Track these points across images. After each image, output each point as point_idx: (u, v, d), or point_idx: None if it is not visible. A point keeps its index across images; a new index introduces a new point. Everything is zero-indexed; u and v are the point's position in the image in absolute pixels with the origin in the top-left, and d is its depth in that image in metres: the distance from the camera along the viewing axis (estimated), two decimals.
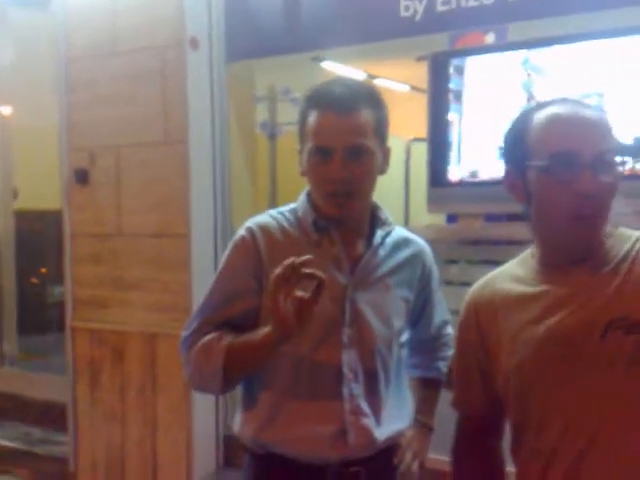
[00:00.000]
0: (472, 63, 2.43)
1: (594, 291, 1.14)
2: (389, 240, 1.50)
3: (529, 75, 2.29)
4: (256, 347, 1.36)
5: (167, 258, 2.92)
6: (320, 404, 1.42)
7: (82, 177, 3.06)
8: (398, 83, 6.51)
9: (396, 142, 3.28)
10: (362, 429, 1.43)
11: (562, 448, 1.14)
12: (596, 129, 1.12)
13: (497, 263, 1.38)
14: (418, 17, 2.33)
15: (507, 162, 1.22)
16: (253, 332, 1.37)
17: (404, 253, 1.53)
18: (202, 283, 2.84)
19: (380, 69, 6.33)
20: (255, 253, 1.44)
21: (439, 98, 2.49)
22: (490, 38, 2.71)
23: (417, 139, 2.88)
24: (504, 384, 1.23)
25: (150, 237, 2.94)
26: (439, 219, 2.89)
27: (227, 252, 1.49)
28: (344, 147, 1.36)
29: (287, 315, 1.24)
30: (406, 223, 2.85)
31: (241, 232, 1.48)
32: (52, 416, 3.74)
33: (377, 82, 6.72)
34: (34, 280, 5.72)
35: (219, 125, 2.79)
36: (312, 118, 1.39)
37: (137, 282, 3.02)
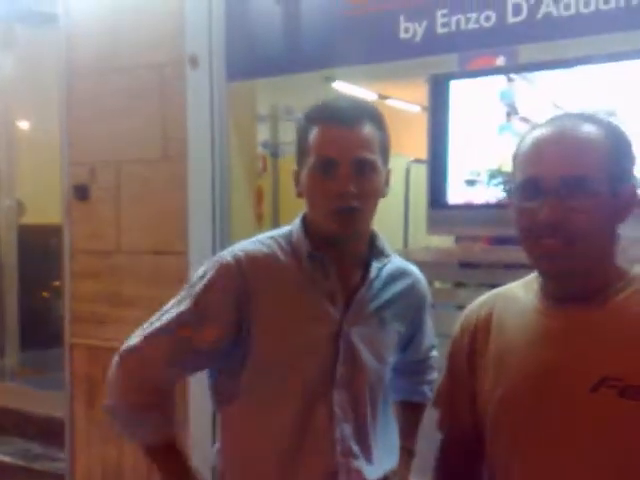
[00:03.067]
0: (456, 86, 2.40)
1: (593, 337, 1.06)
2: (384, 271, 1.43)
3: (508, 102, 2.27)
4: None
5: (165, 275, 2.90)
6: (311, 445, 1.34)
7: (82, 192, 3.06)
8: (409, 104, 6.51)
9: (399, 160, 3.27)
10: (353, 472, 1.36)
11: None
12: (571, 151, 1.04)
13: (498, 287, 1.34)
14: (418, 39, 2.31)
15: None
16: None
17: (400, 285, 1.46)
18: None
19: (392, 90, 6.33)
20: (239, 283, 1.34)
21: (439, 119, 2.47)
22: (500, 61, 2.69)
23: (417, 160, 2.84)
24: (482, 411, 1.19)
25: (148, 254, 2.92)
26: (448, 241, 2.85)
27: (205, 274, 1.37)
28: (351, 160, 1.28)
29: None
30: (405, 244, 2.81)
31: (226, 258, 1.37)
32: (53, 432, 3.71)
33: (389, 102, 6.74)
34: (45, 294, 5.73)
35: (219, 143, 2.78)
36: (314, 133, 1.32)
37: (135, 299, 3.00)
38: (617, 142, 1.07)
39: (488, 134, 2.39)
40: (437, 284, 2.66)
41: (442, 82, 2.42)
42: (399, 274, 1.47)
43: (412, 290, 1.48)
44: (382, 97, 6.47)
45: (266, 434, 1.35)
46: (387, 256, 1.43)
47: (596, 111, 2.17)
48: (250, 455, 1.37)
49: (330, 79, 5.38)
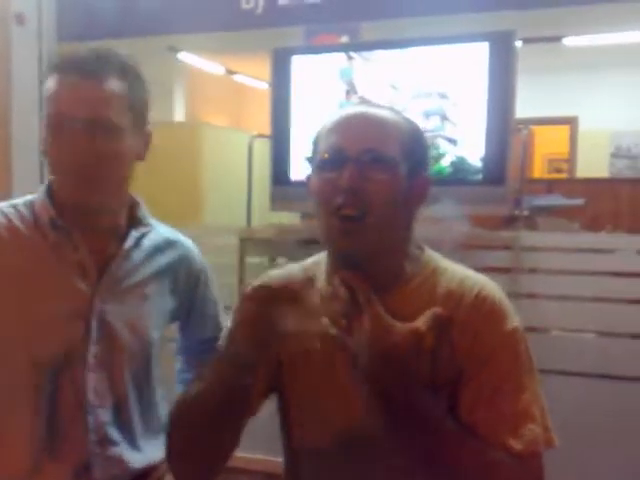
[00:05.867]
0: (298, 62, 2.41)
1: None
2: (147, 242, 1.31)
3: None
4: None
5: None
6: (60, 434, 1.22)
7: None
8: (257, 80, 6.47)
9: (240, 137, 3.23)
10: (111, 459, 1.25)
11: None
12: (373, 127, 1.06)
13: None
14: (259, 10, 2.27)
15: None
16: None
17: (166, 257, 1.34)
18: None
19: (239, 65, 6.26)
20: None
21: (282, 94, 2.45)
22: (344, 40, 2.72)
23: (260, 135, 2.82)
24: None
25: None
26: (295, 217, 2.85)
27: None
28: (84, 119, 1.15)
29: None
30: (249, 221, 2.78)
31: None
32: None
33: (236, 78, 6.67)
34: None
35: None
36: (50, 82, 1.17)
37: None
38: (415, 132, 1.11)
39: (329, 112, 2.41)
40: (280, 261, 2.66)
41: (284, 56, 2.41)
42: (166, 245, 1.35)
43: (182, 262, 1.37)
44: (230, 72, 6.40)
45: (10, 421, 1.22)
46: (146, 225, 1.31)
47: (429, 92, 2.26)
48: None
49: (175, 49, 5.23)
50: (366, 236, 1.03)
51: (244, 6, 2.29)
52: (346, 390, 1.07)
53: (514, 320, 1.05)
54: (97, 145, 1.16)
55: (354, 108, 1.12)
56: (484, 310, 1.04)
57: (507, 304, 1.06)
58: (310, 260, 1.19)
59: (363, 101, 1.15)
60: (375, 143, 1.05)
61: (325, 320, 1.03)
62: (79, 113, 1.15)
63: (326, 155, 1.06)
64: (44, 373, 1.20)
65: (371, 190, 1.03)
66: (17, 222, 1.22)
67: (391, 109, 1.12)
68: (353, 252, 1.05)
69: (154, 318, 1.31)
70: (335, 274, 1.07)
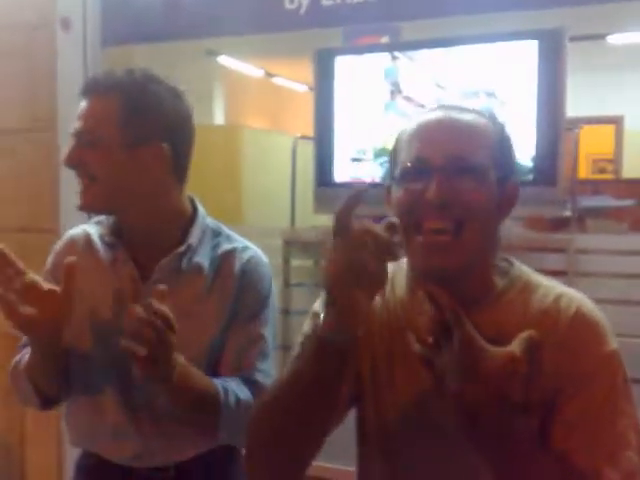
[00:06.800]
0: (341, 63, 2.38)
1: None
2: (197, 259, 1.35)
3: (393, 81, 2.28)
4: None
5: (34, 255, 2.69)
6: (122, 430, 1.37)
7: None
8: (296, 83, 6.47)
9: (281, 139, 3.23)
10: (157, 450, 1.38)
11: None
12: (458, 132, 0.98)
13: None
14: (303, 10, 2.25)
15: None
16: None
17: (222, 271, 1.36)
18: None
19: (278, 68, 6.27)
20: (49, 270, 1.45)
21: (325, 95, 2.43)
22: (385, 40, 2.69)
23: (304, 137, 2.80)
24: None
25: (15, 232, 2.71)
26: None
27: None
28: (75, 132, 1.30)
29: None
30: (292, 223, 2.77)
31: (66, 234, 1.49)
32: None
33: (275, 80, 6.67)
34: None
35: None
36: None
37: None
38: (503, 136, 1.03)
39: (373, 112, 2.38)
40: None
41: (328, 57, 2.39)
42: (223, 257, 1.37)
43: (232, 275, 1.36)
44: (269, 75, 6.41)
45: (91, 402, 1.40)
46: (188, 245, 1.34)
47: (476, 91, 2.21)
48: None
49: (214, 53, 5.25)
50: (460, 252, 0.96)
51: (288, 6, 2.27)
52: (430, 407, 1.01)
53: (613, 341, 0.98)
54: (77, 152, 1.29)
55: (436, 112, 1.03)
56: (583, 329, 0.97)
57: (605, 323, 0.99)
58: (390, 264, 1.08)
59: (444, 105, 1.05)
60: (462, 150, 0.97)
61: (410, 336, 0.95)
62: (76, 127, 1.30)
63: (409, 164, 0.98)
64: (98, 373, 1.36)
65: (462, 202, 0.95)
66: (95, 237, 1.41)
67: (476, 111, 1.04)
68: (444, 270, 0.96)
69: (199, 339, 1.33)
70: (418, 286, 1.00)
